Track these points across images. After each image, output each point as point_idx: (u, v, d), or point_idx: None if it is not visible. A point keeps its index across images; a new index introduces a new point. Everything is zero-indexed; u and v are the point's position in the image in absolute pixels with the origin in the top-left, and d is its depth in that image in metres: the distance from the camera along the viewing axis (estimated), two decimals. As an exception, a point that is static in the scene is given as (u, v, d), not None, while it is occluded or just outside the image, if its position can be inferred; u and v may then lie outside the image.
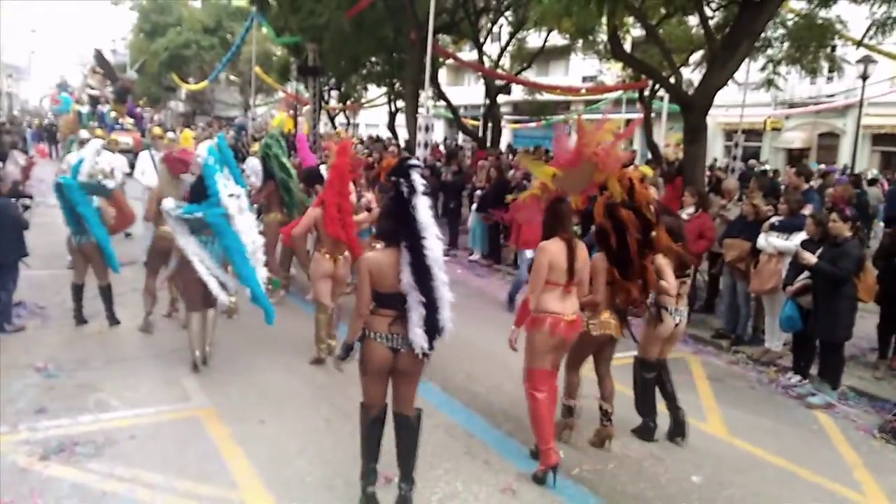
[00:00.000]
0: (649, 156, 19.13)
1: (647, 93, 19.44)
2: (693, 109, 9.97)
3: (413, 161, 4.25)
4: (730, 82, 10.19)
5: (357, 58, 22.25)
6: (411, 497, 4.24)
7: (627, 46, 15.99)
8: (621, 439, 5.54)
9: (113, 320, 7.49)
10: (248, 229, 6.20)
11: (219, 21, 37.61)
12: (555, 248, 4.75)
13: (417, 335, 3.98)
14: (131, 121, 19.37)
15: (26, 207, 9.21)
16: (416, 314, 3.97)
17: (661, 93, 20.33)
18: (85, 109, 18.67)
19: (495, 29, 23.79)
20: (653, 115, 20.37)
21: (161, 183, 7.39)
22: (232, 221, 6.05)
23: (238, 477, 4.54)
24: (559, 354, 5.01)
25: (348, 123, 36.08)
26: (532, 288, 4.86)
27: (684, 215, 8.62)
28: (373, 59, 24.52)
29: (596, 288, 5.11)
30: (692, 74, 17.40)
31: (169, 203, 6.20)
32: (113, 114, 18.64)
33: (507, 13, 21.43)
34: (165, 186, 7.17)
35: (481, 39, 21.25)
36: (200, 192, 6.20)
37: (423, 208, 3.99)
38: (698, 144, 10.10)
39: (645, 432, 5.67)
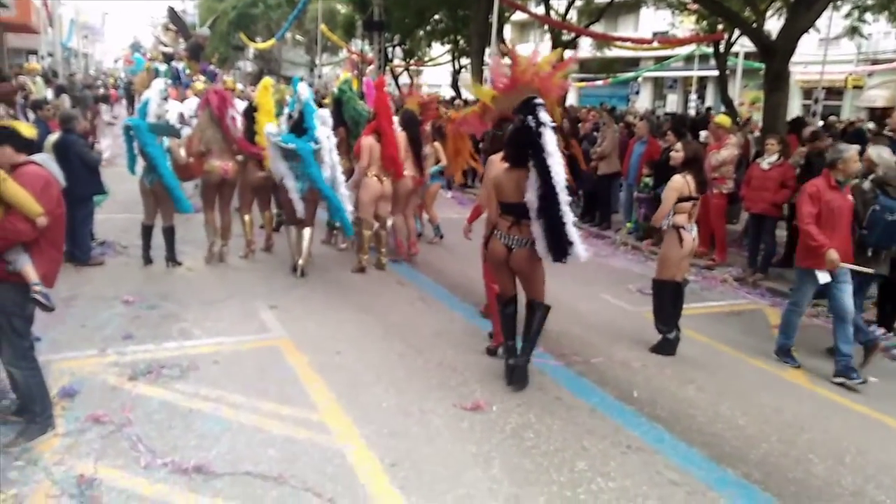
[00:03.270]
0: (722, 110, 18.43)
1: (722, 47, 18.67)
2: (775, 55, 9.54)
3: (538, 100, 4.83)
4: (810, 37, 9.70)
5: (422, 13, 22.08)
6: (526, 369, 5.12)
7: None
8: (696, 382, 5.47)
9: (173, 261, 7.68)
10: (334, 164, 7.39)
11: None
12: (498, 163, 5.37)
13: (540, 247, 4.83)
14: (204, 78, 19.66)
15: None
16: (538, 227, 4.75)
17: (735, 48, 19.54)
18: (161, 67, 19.03)
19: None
20: (727, 72, 19.58)
21: (202, 123, 7.71)
22: (321, 154, 7.17)
23: (317, 400, 4.66)
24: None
25: (411, 83, 35.96)
26: (482, 196, 5.80)
27: (765, 164, 8.32)
28: (437, 15, 24.27)
29: None
30: (770, 23, 16.58)
31: (271, 128, 7.19)
32: (188, 70, 18.95)
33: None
34: (206, 127, 7.61)
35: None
36: (300, 127, 7.19)
37: (550, 138, 4.65)
38: (780, 93, 9.68)
39: (664, 347, 6.02)
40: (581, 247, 4.82)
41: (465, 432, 4.36)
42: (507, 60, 5.54)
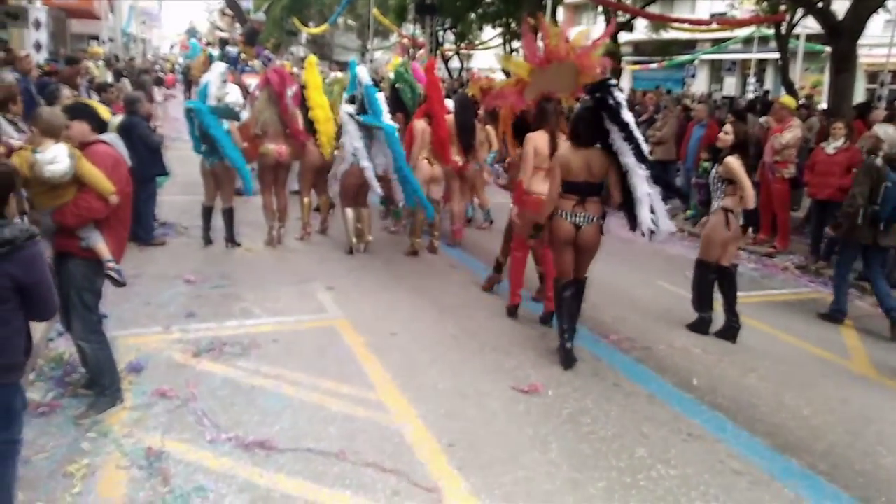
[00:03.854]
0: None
1: (783, 29, 18.03)
2: (842, 36, 9.18)
3: (612, 80, 5.05)
4: (877, 17, 9.30)
5: (474, -4, 21.86)
6: (572, 347, 5.17)
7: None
8: (758, 371, 5.34)
9: (233, 242, 7.82)
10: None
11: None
12: (539, 139, 5.63)
13: (642, 219, 4.94)
14: (259, 63, 19.91)
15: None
16: (637, 197, 4.92)
17: (797, 30, 18.84)
18: (216, 52, 19.34)
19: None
20: (788, 55, 18.90)
21: (259, 105, 7.78)
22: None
23: (374, 380, 4.70)
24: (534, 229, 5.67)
25: (462, 67, 35.77)
26: (524, 171, 5.72)
27: (830, 149, 8.04)
28: (489, -3, 24.05)
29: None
30: (837, 3, 15.94)
31: (348, 108, 7.45)
32: (243, 55, 19.21)
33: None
34: (264, 109, 7.67)
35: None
36: (363, 109, 7.42)
37: (628, 114, 4.89)
38: (847, 74, 9.33)
39: (700, 326, 6.07)
40: (668, 221, 5.03)
41: (521, 415, 4.35)
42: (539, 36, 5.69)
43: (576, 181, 5.04)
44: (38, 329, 4.44)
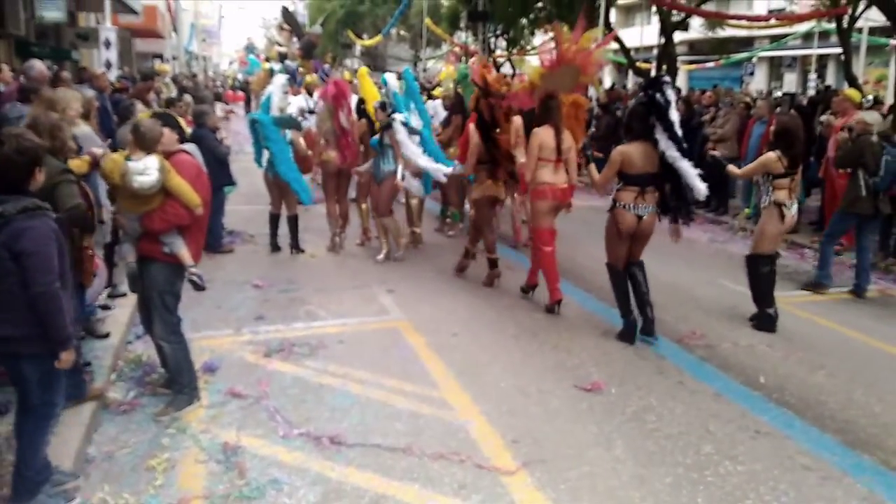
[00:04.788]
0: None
1: (845, 22, 17.48)
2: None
3: (666, 77, 5.46)
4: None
5: (526, 1, 21.90)
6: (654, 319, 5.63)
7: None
8: (826, 368, 5.24)
9: (297, 249, 8.03)
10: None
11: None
12: (545, 133, 6.00)
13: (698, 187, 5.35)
14: (317, 76, 20.38)
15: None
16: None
17: (859, 23, 18.23)
18: (277, 66, 19.87)
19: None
20: (850, 49, 18.30)
21: (322, 114, 8.03)
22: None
23: (437, 378, 4.80)
24: (555, 215, 6.25)
25: (514, 73, 35.79)
26: (527, 165, 6.11)
27: (899, 141, 7.79)
28: (541, 2, 24.04)
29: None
30: None
31: (401, 116, 7.48)
32: (301, 69, 19.68)
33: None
34: (325, 119, 7.89)
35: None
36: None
37: (674, 113, 5.32)
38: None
39: (765, 322, 6.00)
40: (701, 185, 5.36)
41: (584, 413, 4.38)
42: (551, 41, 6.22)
43: (637, 173, 5.42)
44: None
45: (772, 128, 6.05)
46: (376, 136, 7.61)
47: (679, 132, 5.34)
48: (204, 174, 4.21)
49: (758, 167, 6.00)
